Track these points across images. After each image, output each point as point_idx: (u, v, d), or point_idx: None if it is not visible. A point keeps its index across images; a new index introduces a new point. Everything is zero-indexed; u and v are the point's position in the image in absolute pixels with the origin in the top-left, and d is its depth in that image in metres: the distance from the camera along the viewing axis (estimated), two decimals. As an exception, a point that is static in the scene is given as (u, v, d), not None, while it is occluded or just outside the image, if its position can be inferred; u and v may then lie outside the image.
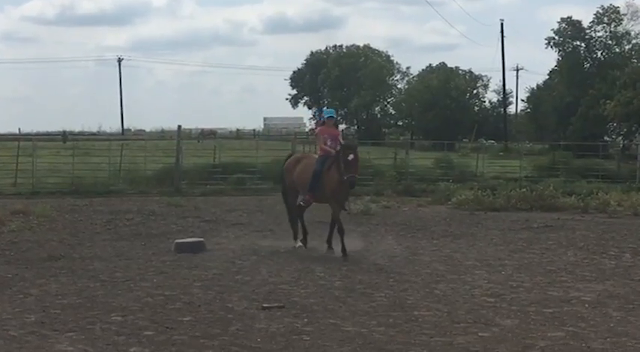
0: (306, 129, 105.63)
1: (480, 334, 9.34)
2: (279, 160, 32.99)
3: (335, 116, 16.11)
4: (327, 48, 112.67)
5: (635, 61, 75.55)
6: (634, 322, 9.97)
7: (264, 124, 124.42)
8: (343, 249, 14.57)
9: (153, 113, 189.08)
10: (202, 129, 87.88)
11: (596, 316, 10.26)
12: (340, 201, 15.12)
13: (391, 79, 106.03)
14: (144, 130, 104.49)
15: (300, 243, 15.74)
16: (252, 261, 14.27)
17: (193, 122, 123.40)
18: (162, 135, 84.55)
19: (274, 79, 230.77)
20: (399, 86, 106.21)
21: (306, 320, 9.93)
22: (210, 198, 27.17)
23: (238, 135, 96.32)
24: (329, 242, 15.34)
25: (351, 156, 14.45)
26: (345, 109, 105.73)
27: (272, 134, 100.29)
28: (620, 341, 9.06)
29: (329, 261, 14.36)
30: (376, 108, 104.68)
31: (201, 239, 16.06)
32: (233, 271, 13.23)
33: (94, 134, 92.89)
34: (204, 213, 22.22)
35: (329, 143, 15.24)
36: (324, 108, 16.72)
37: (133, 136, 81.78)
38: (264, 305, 10.59)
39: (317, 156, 15.62)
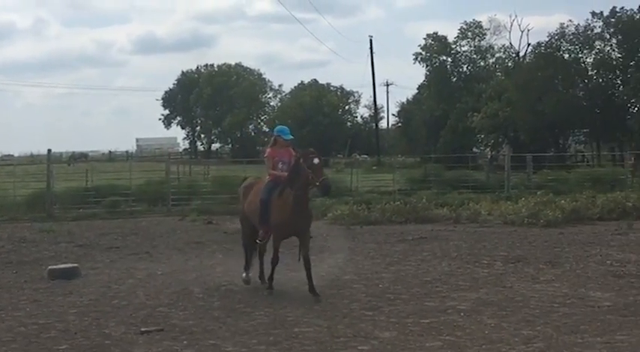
0: (180, 150, 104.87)
1: (359, 347, 9.43)
2: (153, 181, 32.80)
3: (289, 135, 13.43)
4: (198, 67, 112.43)
5: (500, 74, 77.99)
6: (507, 328, 10.24)
7: (137, 145, 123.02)
8: (270, 279, 12.97)
9: (22, 137, 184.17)
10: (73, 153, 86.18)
11: (471, 324, 10.50)
12: (303, 232, 12.76)
13: (264, 96, 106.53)
14: (12, 155, 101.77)
15: (247, 277, 13.75)
16: (128, 285, 14.03)
17: (64, 145, 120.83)
18: (31, 159, 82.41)
19: (146, 100, 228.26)
20: (271, 103, 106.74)
21: (185, 342, 9.82)
22: (83, 222, 26.59)
23: (111, 157, 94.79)
24: (267, 279, 13.18)
25: (316, 160, 12.48)
26: (219, 128, 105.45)
27: (145, 155, 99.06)
28: (495, 348, 9.30)
29: (207, 282, 14.24)
30: (250, 126, 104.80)
31: (76, 264, 15.69)
32: (109, 296, 12.98)
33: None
34: (77, 237, 21.73)
35: (280, 167, 13.14)
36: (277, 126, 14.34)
37: (0, 162, 79.44)
38: (143, 329, 10.42)
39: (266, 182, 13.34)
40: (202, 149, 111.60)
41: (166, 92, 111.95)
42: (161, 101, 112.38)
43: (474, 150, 74.64)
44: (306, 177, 12.31)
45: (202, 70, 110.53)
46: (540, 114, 63.70)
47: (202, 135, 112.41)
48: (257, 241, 13.38)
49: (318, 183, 12.30)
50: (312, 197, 13.89)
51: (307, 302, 12.18)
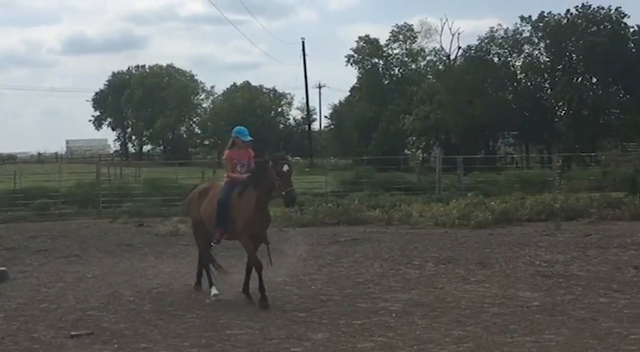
0: (111, 151, 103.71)
1: (292, 349, 9.43)
2: (83, 183, 32.42)
3: (249, 136, 12.89)
4: (129, 68, 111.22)
5: (431, 76, 78.76)
6: (438, 328, 10.34)
7: (67, 147, 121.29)
8: (262, 288, 11.98)
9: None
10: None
11: (403, 325, 10.57)
12: (258, 235, 12.35)
13: (196, 98, 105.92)
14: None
15: (216, 291, 12.77)
16: (58, 289, 13.83)
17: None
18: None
19: (76, 101, 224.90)
20: (204, 105, 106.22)
21: (116, 345, 9.72)
22: (11, 224, 26.16)
23: (40, 159, 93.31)
24: (245, 291, 12.53)
25: (285, 168, 11.95)
26: (150, 130, 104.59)
27: (75, 157, 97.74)
28: (426, 348, 9.38)
29: (139, 284, 14.11)
30: (182, 128, 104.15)
31: (3, 268, 15.40)
32: (38, 300, 12.78)
33: None
34: (5, 240, 21.35)
35: (239, 169, 12.65)
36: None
37: None
38: (73, 333, 10.28)
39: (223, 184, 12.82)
40: (133, 151, 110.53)
41: (97, 93, 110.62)
42: (91, 102, 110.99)
43: (406, 152, 75.27)
44: (272, 183, 11.87)
45: (133, 71, 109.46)
46: (471, 116, 64.54)
47: (133, 137, 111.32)
48: (211, 243, 12.96)
49: (284, 193, 11.85)
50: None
51: (240, 304, 12.13)
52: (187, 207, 13.96)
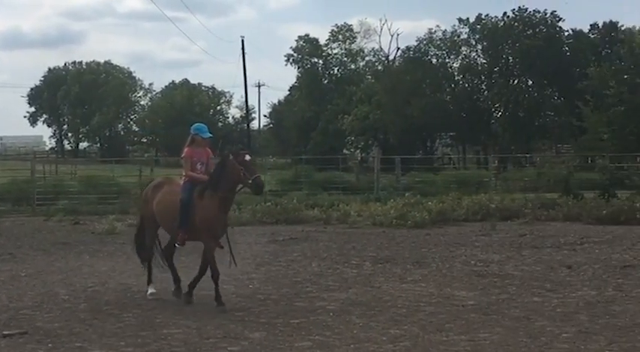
0: (46, 148, 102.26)
1: (229, 348, 9.40)
2: (17, 181, 31.90)
3: (208, 133, 12.61)
4: (66, 64, 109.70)
5: (370, 77, 79.18)
6: (375, 327, 10.40)
7: (1, 143, 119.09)
8: (218, 297, 11.67)
9: None
10: None
11: (340, 324, 10.61)
12: (217, 235, 11.99)
13: (134, 95, 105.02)
14: None
15: (153, 290, 12.60)
16: (-10, 287, 13.59)
17: None
18: None
19: (10, 97, 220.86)
20: (142, 103, 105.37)
21: (50, 345, 9.59)
22: (-58, 222, 25.62)
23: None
24: (192, 286, 12.19)
25: (247, 157, 11.75)
26: (87, 127, 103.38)
27: (10, 154, 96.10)
28: (363, 347, 9.43)
29: (74, 283, 13.94)
30: (119, 126, 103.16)
31: None
32: (-30, 299, 12.55)
33: None
34: (-64, 238, 20.92)
35: (199, 167, 12.24)
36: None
37: None
38: (5, 332, 10.11)
39: (181, 182, 12.36)
40: (70, 148, 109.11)
41: (32, 89, 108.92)
42: (27, 98, 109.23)
43: (345, 151, 75.58)
44: (237, 175, 11.62)
45: (70, 67, 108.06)
46: (409, 117, 65.05)
47: (70, 134, 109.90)
48: (175, 245, 12.46)
49: (250, 181, 11.63)
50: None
51: (176, 303, 12.06)
52: (141, 203, 13.37)
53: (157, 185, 12.90)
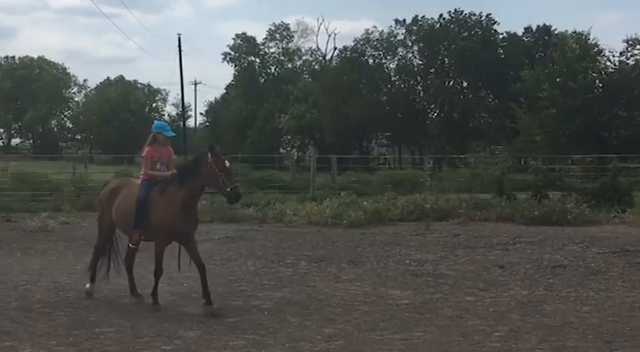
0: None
1: (162, 347, 9.34)
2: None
3: (171, 131, 12.22)
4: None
5: (307, 76, 79.29)
6: (310, 326, 10.42)
7: None
8: (155, 295, 11.53)
9: None
10: None
11: (275, 323, 10.61)
12: (185, 236, 11.54)
13: (68, 91, 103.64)
14: None
15: (89, 285, 12.33)
16: None
17: None
18: None
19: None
20: (76, 99, 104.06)
21: (-21, 345, 9.42)
22: None
23: None
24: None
25: (227, 163, 11.29)
26: (19, 123, 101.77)
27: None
28: (298, 346, 9.44)
29: (4, 281, 13.69)
30: (53, 122, 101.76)
31: None
32: None
33: None
34: None
35: (158, 167, 11.81)
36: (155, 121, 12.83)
37: None
38: None
39: (139, 182, 11.91)
40: (1, 144, 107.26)
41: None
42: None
43: (281, 150, 75.57)
44: (214, 179, 11.18)
45: (2, 62, 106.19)
46: (345, 117, 65.28)
47: (1, 130, 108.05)
48: (129, 245, 11.92)
49: (229, 190, 11.21)
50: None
51: (109, 301, 11.94)
52: (97, 207, 12.74)
53: (113, 189, 12.30)
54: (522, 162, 49.56)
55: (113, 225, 12.15)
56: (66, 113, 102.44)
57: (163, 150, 11.93)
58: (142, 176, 11.85)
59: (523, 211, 24.64)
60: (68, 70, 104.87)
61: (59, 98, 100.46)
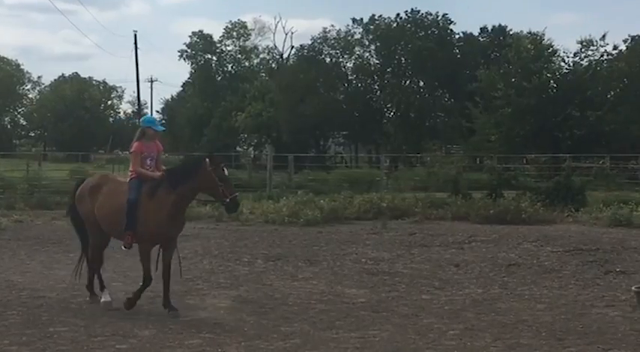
0: None
1: (117, 346, 9.27)
2: None
3: (160, 126, 11.74)
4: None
5: (264, 74, 79.16)
6: (266, 325, 10.41)
7: None
8: (167, 302, 11.09)
9: None
10: None
11: (231, 321, 10.59)
12: (171, 240, 11.32)
13: (21, 88, 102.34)
14: None
15: (108, 298, 11.50)
16: None
17: None
18: None
19: None
20: (30, 96, 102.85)
21: None
22: None
23: None
24: (168, 301, 11.20)
25: (226, 171, 11.06)
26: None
27: None
28: (254, 344, 9.42)
29: (-44, 280, 13.51)
30: (6, 119, 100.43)
31: None
32: None
33: None
34: None
35: (148, 163, 11.34)
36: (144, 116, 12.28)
37: None
38: None
39: (127, 180, 11.37)
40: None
41: None
42: None
43: (238, 149, 75.39)
44: (212, 188, 10.87)
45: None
46: (302, 115, 65.31)
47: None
48: (123, 247, 11.38)
49: (228, 200, 10.92)
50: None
51: (63, 300, 11.82)
52: (75, 205, 11.93)
53: (94, 186, 11.66)
54: (478, 162, 50.03)
55: (96, 224, 11.58)
56: (19, 110, 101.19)
57: (152, 145, 11.47)
58: (130, 173, 11.35)
59: (478, 210, 24.82)
60: (22, 67, 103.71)
61: (12, 95, 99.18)
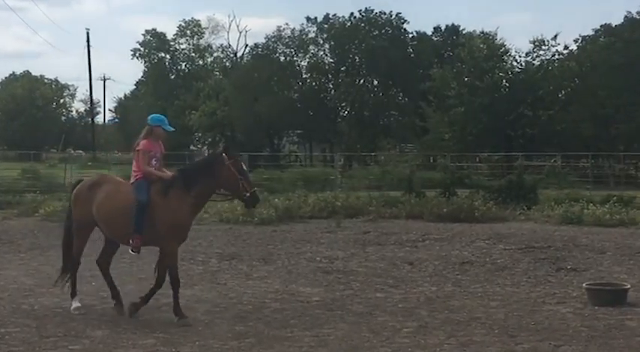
0: None
1: (70, 347, 9.21)
2: None
3: (170, 126, 11.22)
4: None
5: (218, 73, 78.91)
6: (220, 324, 10.39)
7: None
8: (177, 308, 10.66)
9: None
10: None
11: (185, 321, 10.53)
12: (183, 240, 11.13)
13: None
14: None
15: (78, 303, 11.16)
16: None
17: None
18: None
19: None
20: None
21: None
22: None
23: None
24: (145, 299, 11.02)
25: (245, 166, 10.83)
26: None
27: None
28: (208, 344, 9.40)
29: None
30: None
31: None
32: None
33: None
34: None
35: (154, 163, 10.92)
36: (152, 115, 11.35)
37: None
38: None
39: (131, 181, 10.93)
40: None
41: None
42: None
43: (192, 148, 75.07)
44: (233, 183, 10.57)
45: None
46: (257, 114, 65.19)
47: None
48: (131, 251, 11.07)
49: (249, 194, 10.67)
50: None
51: (14, 301, 11.69)
52: (72, 205, 11.43)
53: (92, 185, 11.21)
54: (431, 160, 50.38)
55: (93, 226, 11.24)
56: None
57: (157, 144, 11.06)
58: (135, 173, 10.88)
59: (432, 208, 24.96)
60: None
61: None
